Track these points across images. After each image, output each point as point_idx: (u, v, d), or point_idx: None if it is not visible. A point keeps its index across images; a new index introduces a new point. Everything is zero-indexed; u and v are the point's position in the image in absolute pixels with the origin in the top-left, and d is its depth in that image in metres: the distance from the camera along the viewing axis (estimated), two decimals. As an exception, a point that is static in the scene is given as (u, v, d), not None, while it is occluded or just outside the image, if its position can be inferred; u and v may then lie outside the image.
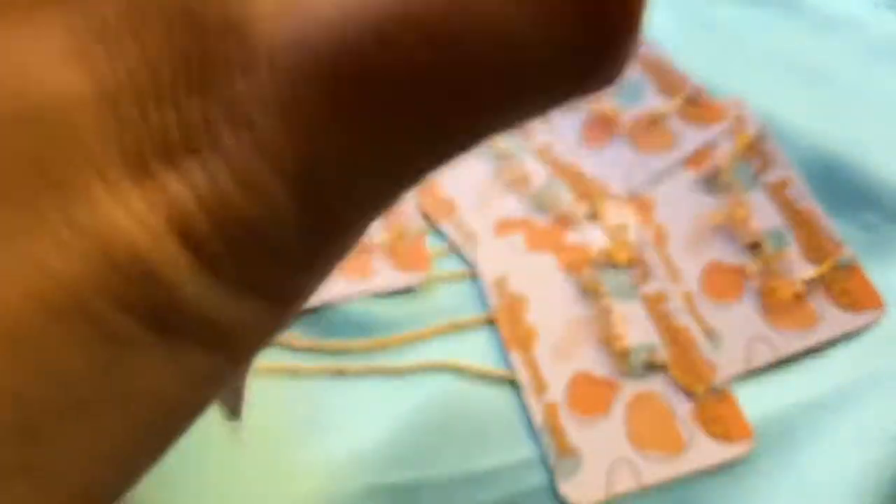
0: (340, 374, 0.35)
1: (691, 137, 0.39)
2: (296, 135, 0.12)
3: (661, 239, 0.38)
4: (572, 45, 0.12)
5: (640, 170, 0.39)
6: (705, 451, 0.32)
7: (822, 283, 0.35)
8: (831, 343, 0.34)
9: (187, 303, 0.12)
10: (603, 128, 0.41)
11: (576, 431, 0.33)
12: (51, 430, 0.12)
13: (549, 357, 0.35)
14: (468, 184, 0.40)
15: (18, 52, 0.12)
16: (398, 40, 0.12)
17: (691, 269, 0.37)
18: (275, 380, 0.35)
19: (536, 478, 0.32)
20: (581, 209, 0.39)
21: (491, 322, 0.36)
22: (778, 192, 0.37)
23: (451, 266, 0.39)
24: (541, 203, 0.39)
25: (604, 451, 0.32)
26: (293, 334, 0.36)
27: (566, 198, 0.39)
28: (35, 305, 0.12)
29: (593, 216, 0.38)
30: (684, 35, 0.44)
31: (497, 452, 0.33)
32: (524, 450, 0.33)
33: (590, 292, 0.36)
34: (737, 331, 0.35)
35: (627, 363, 0.34)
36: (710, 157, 0.39)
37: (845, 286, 0.34)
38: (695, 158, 0.39)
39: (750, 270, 0.36)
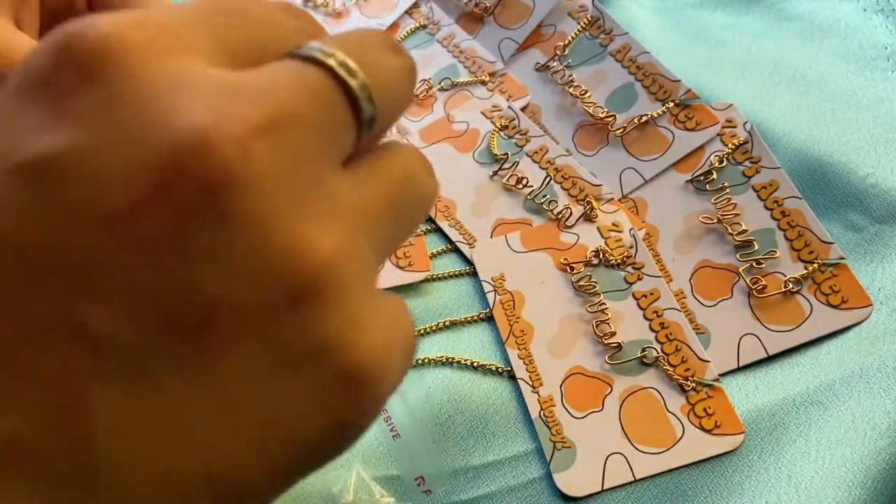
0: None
1: (682, 141, 0.40)
2: None
3: (653, 239, 0.38)
4: None
5: (633, 172, 0.40)
6: (697, 445, 0.32)
7: (810, 281, 0.35)
8: (820, 340, 0.34)
9: None
10: (596, 132, 0.41)
11: (571, 425, 0.33)
12: None
13: (545, 353, 0.35)
14: (467, 186, 0.41)
15: None
16: None
17: (683, 268, 0.37)
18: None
19: (533, 470, 0.33)
20: (575, 210, 0.39)
21: (489, 319, 0.37)
22: (767, 194, 0.37)
23: (451, 265, 0.39)
24: (536, 204, 0.40)
25: (598, 444, 0.33)
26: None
27: (561, 199, 0.40)
28: None
29: (587, 217, 0.39)
30: (676, 42, 0.44)
31: (495, 445, 0.33)
32: (522, 443, 0.33)
33: (584, 290, 0.37)
34: (727, 328, 0.35)
35: (621, 359, 0.35)
36: (701, 159, 0.39)
37: (833, 285, 0.35)
38: (686, 161, 0.39)
39: (740, 269, 0.36)
